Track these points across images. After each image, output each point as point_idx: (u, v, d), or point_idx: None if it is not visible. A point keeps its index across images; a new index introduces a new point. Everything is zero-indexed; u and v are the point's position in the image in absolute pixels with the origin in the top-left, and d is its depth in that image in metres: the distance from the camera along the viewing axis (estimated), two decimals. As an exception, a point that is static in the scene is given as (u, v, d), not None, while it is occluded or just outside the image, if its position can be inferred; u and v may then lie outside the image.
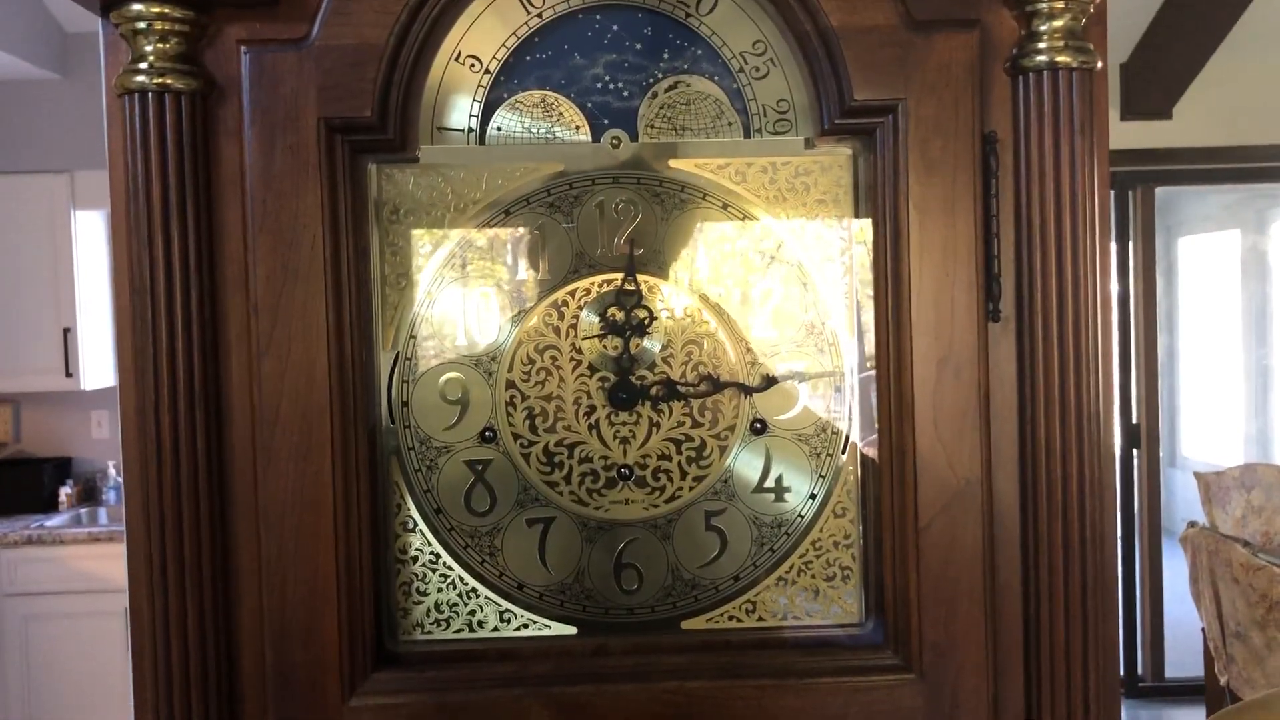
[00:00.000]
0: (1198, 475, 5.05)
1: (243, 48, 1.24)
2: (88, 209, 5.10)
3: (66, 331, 5.04)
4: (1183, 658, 5.54)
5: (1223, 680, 4.28)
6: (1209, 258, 8.46)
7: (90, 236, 5.15)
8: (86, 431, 5.45)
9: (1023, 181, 1.25)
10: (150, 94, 1.19)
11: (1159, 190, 5.73)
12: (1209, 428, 8.47)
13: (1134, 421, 5.67)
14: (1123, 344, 5.65)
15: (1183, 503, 7.32)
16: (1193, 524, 4.42)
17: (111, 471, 5.32)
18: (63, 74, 5.28)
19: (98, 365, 5.14)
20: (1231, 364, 8.24)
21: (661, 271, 1.34)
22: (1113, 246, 5.69)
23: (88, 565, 4.70)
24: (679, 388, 1.33)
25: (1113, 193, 5.65)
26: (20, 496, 5.14)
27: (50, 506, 5.18)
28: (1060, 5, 1.22)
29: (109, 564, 4.65)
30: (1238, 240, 8.24)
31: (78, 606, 4.69)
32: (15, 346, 5.05)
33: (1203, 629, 4.48)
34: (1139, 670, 5.68)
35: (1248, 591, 3.99)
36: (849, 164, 1.34)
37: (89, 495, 5.39)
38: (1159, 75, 5.29)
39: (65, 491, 5.21)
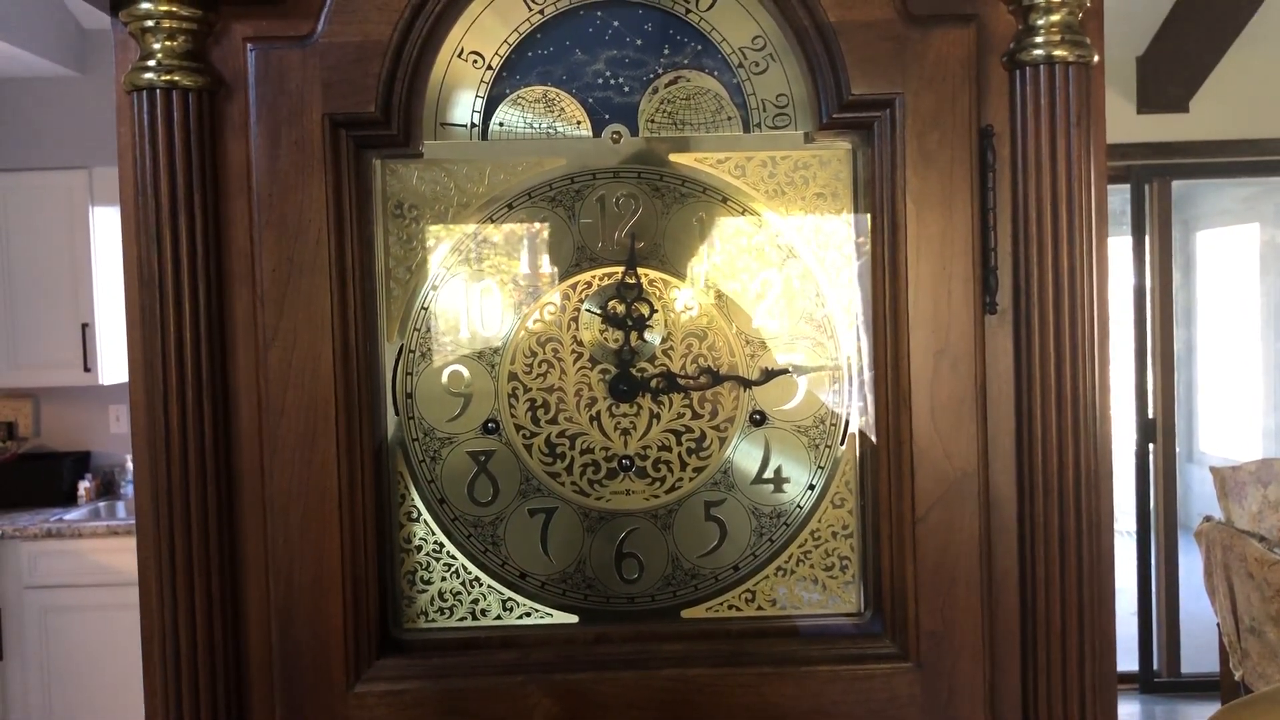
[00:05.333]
0: (1214, 470, 5.03)
1: (249, 45, 1.26)
2: (106, 205, 5.15)
3: (85, 327, 5.09)
4: (1198, 653, 5.53)
5: (1237, 675, 4.27)
6: (1227, 252, 8.41)
7: (108, 232, 5.20)
8: (105, 426, 5.51)
9: (1020, 175, 1.26)
10: (158, 91, 1.21)
11: (1176, 184, 5.70)
12: (1226, 422, 8.42)
13: (1150, 416, 5.64)
14: (1138, 338, 5.63)
15: (1199, 498, 7.29)
16: (1208, 519, 4.40)
17: (129, 465, 5.37)
18: (81, 71, 5.33)
19: (116, 360, 5.18)
20: (1249, 359, 8.19)
21: (662, 265, 1.35)
22: (1129, 240, 5.67)
23: (106, 558, 4.75)
24: (679, 380, 1.35)
25: (1129, 186, 5.63)
26: (40, 490, 5.20)
27: (69, 500, 5.23)
28: (1057, 0, 1.23)
29: (127, 557, 4.70)
30: (1256, 234, 8.18)
31: (96, 599, 4.74)
32: (35, 341, 5.10)
33: (1218, 624, 4.47)
34: (1154, 665, 5.67)
35: (1263, 586, 3.98)
36: (848, 158, 1.35)
37: (107, 489, 5.45)
38: (1176, 68, 5.27)
39: (84, 485, 5.27)
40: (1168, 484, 5.67)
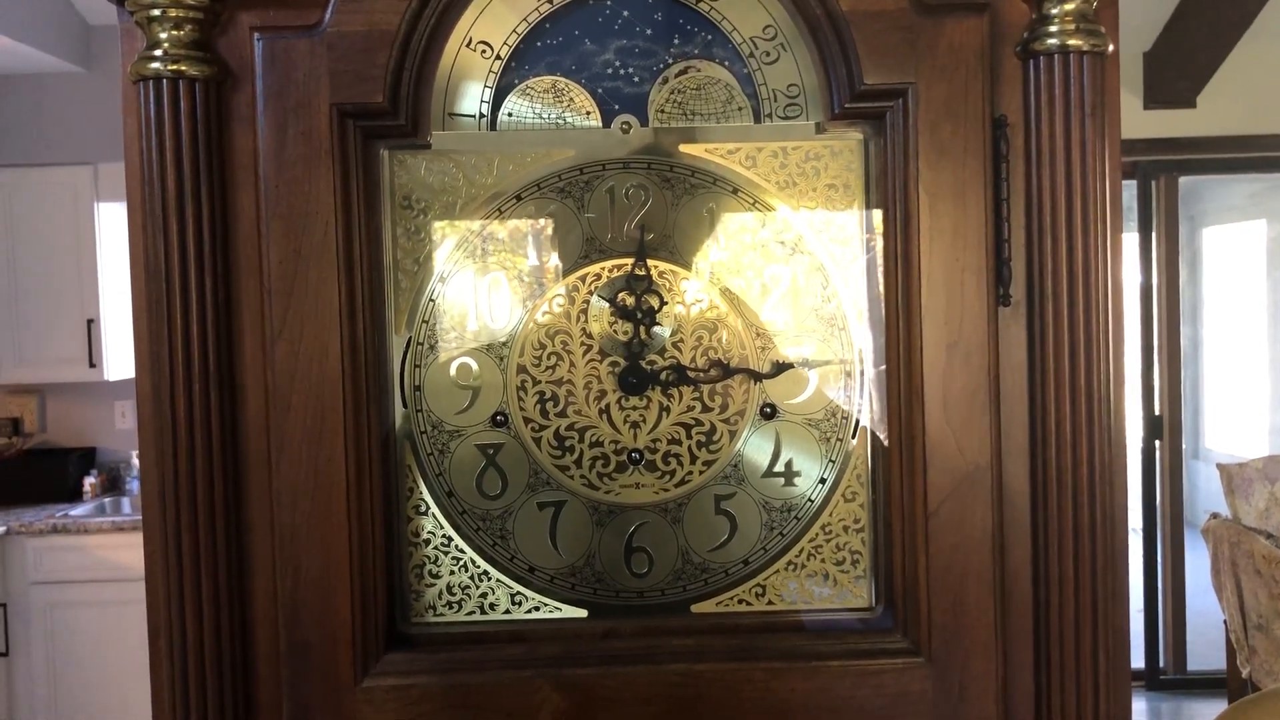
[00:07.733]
0: (1220, 466, 5.01)
1: (256, 34, 1.25)
2: (111, 201, 5.14)
3: (90, 322, 5.08)
4: (1205, 650, 5.51)
5: (1245, 672, 4.26)
6: (1234, 248, 8.38)
7: (114, 228, 5.19)
8: (110, 422, 5.50)
9: (1033, 165, 1.24)
10: (165, 81, 1.20)
11: (1183, 180, 5.68)
12: (1233, 419, 8.40)
13: (1156, 413, 5.62)
14: (1145, 335, 5.61)
15: (1205, 495, 7.27)
16: (1215, 515, 4.39)
17: (135, 461, 5.36)
18: (86, 67, 5.32)
19: (121, 356, 5.18)
20: (1256, 355, 8.17)
21: (672, 256, 1.34)
22: (1135, 237, 5.65)
23: (112, 554, 4.75)
24: (689, 373, 1.34)
25: (1135, 182, 5.61)
26: (46, 486, 5.19)
27: (75, 496, 5.23)
28: (1071, -12, 1.21)
29: (133, 553, 4.69)
30: (1263, 230, 8.15)
31: (102, 595, 4.73)
32: (40, 337, 5.10)
33: (1225, 621, 4.45)
34: (1161, 663, 5.65)
35: (1270, 583, 3.96)
36: (859, 148, 1.34)
37: (113, 485, 5.44)
38: (1183, 63, 5.24)
39: (90, 481, 5.26)
40: (1174, 481, 5.65)
